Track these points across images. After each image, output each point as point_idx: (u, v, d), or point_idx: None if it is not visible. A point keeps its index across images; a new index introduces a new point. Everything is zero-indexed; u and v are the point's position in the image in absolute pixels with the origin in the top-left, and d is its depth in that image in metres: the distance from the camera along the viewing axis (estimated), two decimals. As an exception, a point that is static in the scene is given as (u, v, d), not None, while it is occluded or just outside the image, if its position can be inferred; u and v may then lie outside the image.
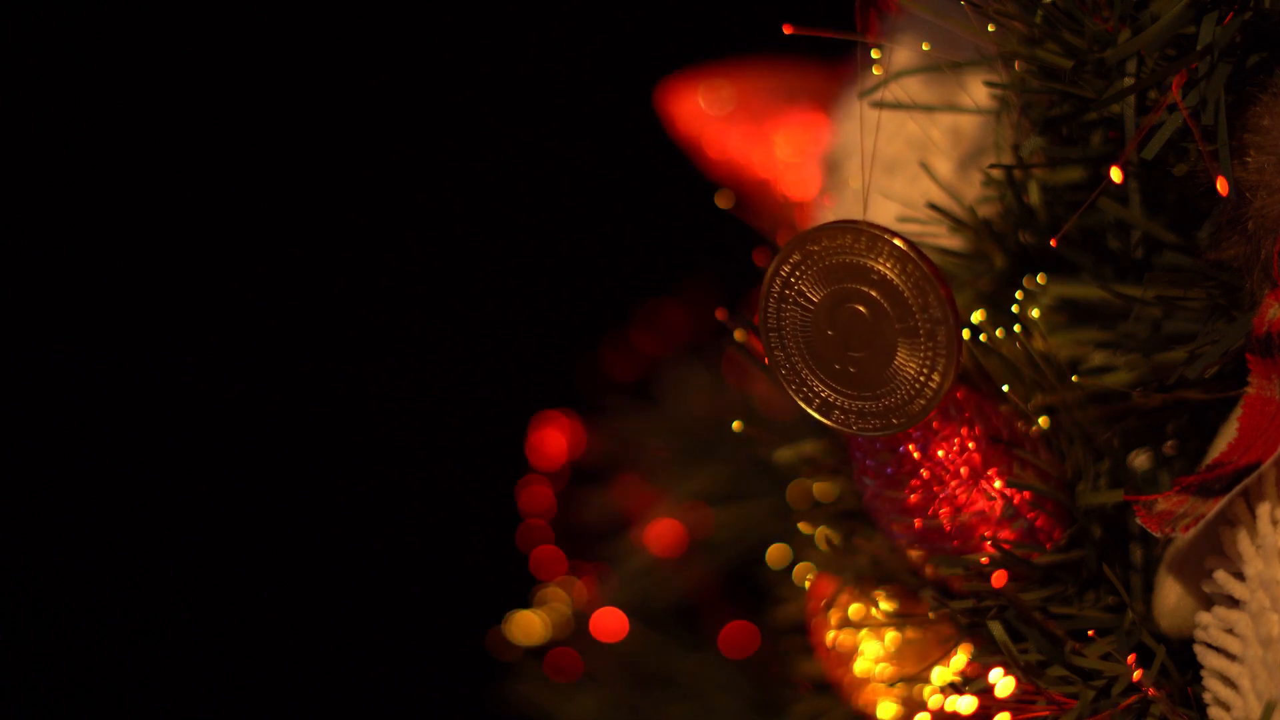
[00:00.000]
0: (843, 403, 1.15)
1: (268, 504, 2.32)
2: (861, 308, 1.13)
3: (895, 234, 1.11)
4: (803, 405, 1.15)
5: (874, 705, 1.32)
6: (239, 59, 2.30)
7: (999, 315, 1.22)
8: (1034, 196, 1.23)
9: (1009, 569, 1.17)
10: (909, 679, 1.27)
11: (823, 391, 1.15)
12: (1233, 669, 1.11)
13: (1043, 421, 1.20)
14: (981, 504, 1.18)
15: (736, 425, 1.46)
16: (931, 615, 1.22)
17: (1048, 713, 1.15)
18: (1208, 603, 1.13)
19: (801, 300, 1.14)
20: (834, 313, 1.14)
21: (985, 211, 1.25)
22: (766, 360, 1.16)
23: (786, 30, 1.21)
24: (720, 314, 1.31)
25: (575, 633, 1.74)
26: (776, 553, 1.52)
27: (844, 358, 1.14)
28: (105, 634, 2.30)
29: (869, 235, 1.11)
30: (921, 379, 1.12)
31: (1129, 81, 1.12)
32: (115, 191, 2.30)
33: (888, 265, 1.12)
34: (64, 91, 2.28)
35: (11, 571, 2.29)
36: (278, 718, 2.33)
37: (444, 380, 2.37)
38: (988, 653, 1.18)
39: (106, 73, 2.28)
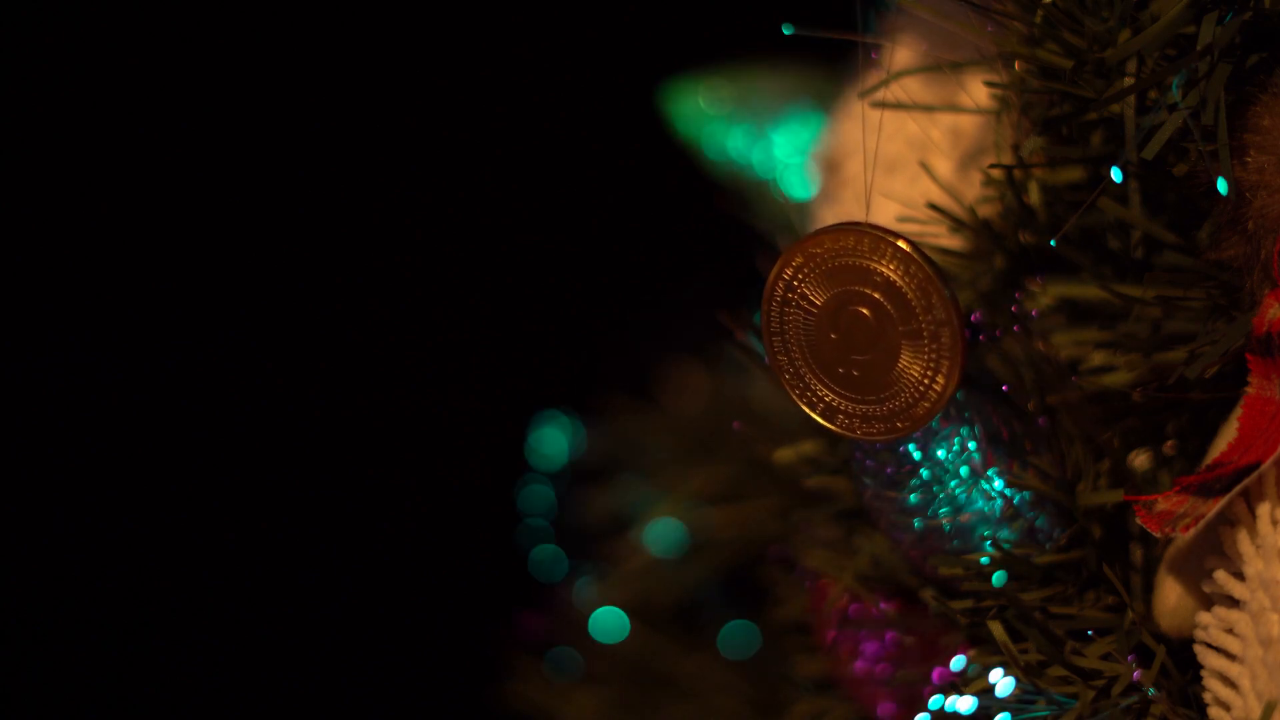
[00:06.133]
0: (846, 407, 1.14)
1: (268, 504, 2.32)
2: (865, 310, 1.13)
3: (898, 235, 1.11)
4: (807, 410, 1.15)
5: (874, 705, 1.32)
6: (239, 60, 2.30)
7: (999, 315, 1.22)
8: (1034, 196, 1.23)
9: (1009, 569, 1.17)
10: (909, 679, 1.28)
11: (826, 396, 1.15)
12: (1233, 669, 1.11)
13: (1042, 421, 1.20)
14: (981, 504, 1.18)
15: (736, 425, 1.46)
16: (931, 615, 1.22)
17: (1048, 713, 1.15)
18: (1208, 603, 1.13)
19: (804, 303, 1.14)
20: (837, 316, 1.13)
21: (985, 211, 1.25)
22: (769, 364, 1.16)
23: (786, 30, 1.21)
24: (721, 315, 1.31)
25: (575, 633, 1.74)
26: (776, 553, 1.52)
27: (847, 361, 1.14)
28: (106, 634, 2.30)
29: (872, 237, 1.11)
30: (925, 382, 1.12)
31: (1129, 81, 1.12)
32: (114, 192, 2.31)
33: (891, 267, 1.11)
34: (65, 92, 2.28)
35: (11, 572, 2.29)
36: (278, 718, 2.33)
37: (444, 380, 2.37)
38: (988, 653, 1.18)
39: (107, 73, 2.28)
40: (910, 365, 1.12)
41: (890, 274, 1.11)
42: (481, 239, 2.35)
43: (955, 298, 1.11)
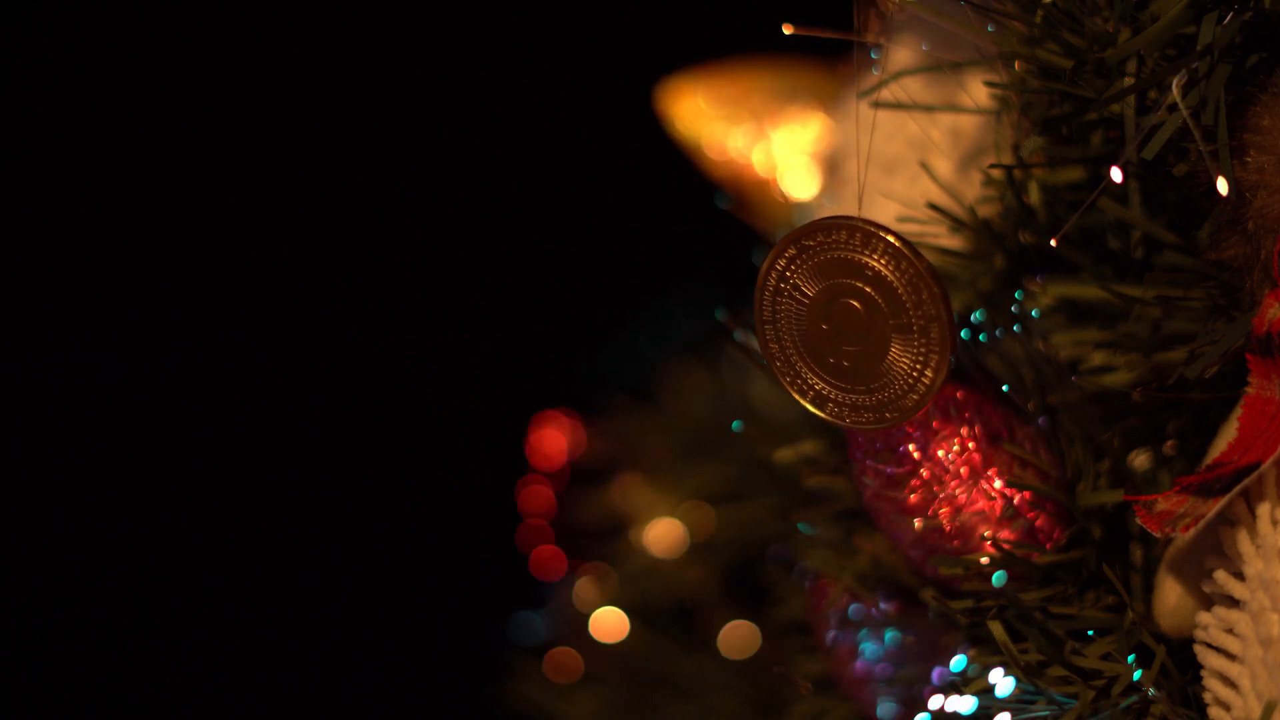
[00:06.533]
0: (836, 396, 1.15)
1: (269, 504, 2.32)
2: (856, 303, 1.13)
3: (889, 230, 1.12)
4: (797, 397, 1.16)
5: (874, 705, 1.32)
6: (239, 60, 2.30)
7: (999, 315, 1.22)
8: (1034, 196, 1.23)
9: (1009, 569, 1.17)
10: (909, 679, 1.27)
11: (816, 384, 1.15)
12: (1233, 669, 1.11)
13: (1042, 421, 1.20)
14: (981, 504, 1.18)
15: (736, 425, 1.46)
16: (931, 615, 1.22)
17: (1048, 713, 1.15)
18: (1208, 603, 1.13)
19: (796, 294, 1.14)
20: (829, 307, 1.14)
21: (985, 211, 1.25)
22: (761, 353, 1.16)
23: (786, 30, 1.21)
24: (720, 314, 1.31)
25: (575, 633, 1.74)
26: (776, 553, 1.52)
27: (838, 351, 1.14)
28: (106, 634, 2.30)
29: (863, 232, 1.12)
30: (914, 374, 1.13)
31: (1129, 81, 1.12)
32: (114, 192, 2.31)
33: (882, 261, 1.12)
34: (65, 92, 2.28)
35: (11, 572, 2.29)
36: (278, 718, 2.33)
37: (444, 380, 2.37)
38: (988, 653, 1.18)
39: (107, 73, 2.28)
40: (900, 358, 1.13)
41: (881, 268, 1.12)
42: (481, 239, 2.35)
43: (945, 293, 1.11)
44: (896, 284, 1.12)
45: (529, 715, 1.73)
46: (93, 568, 2.30)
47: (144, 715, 2.31)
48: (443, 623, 2.24)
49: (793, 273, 1.14)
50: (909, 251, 1.11)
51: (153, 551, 2.30)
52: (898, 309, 1.12)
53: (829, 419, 1.16)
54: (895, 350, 1.13)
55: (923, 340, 1.12)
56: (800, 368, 1.16)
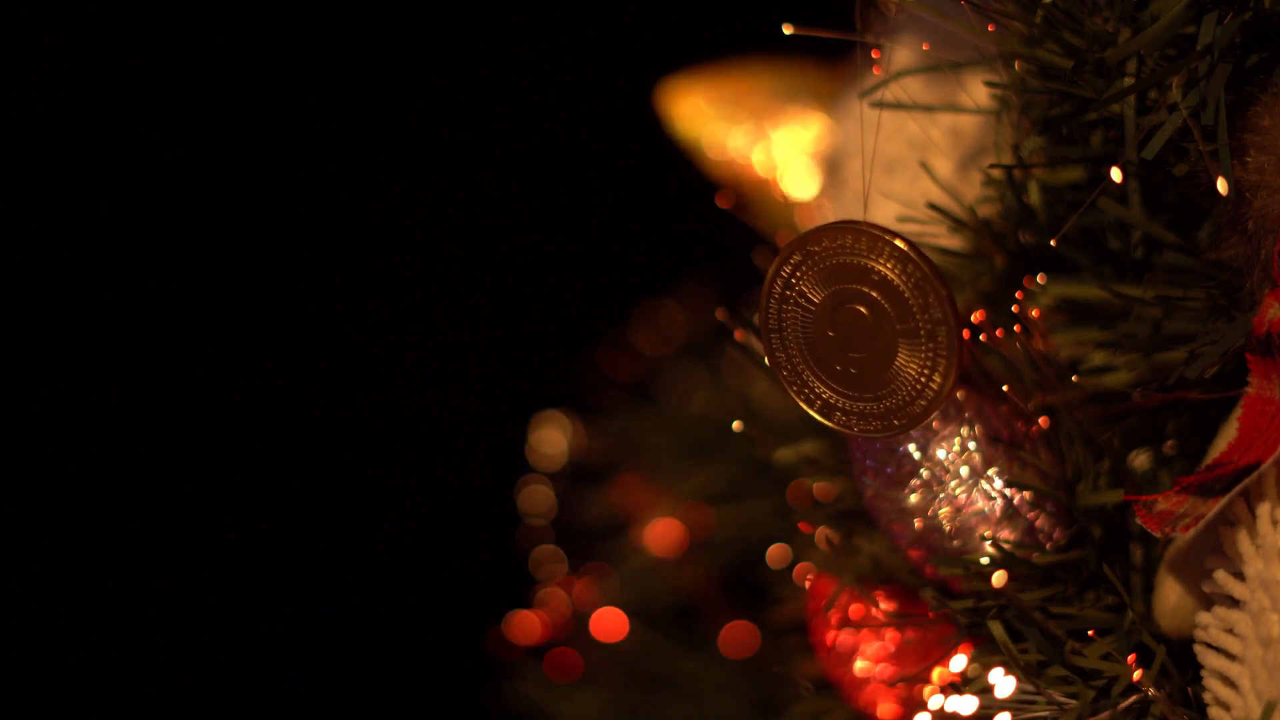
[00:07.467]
0: (844, 404, 1.15)
1: (268, 504, 2.32)
2: (862, 308, 1.13)
3: (896, 234, 1.11)
4: (804, 406, 1.16)
5: (874, 705, 1.32)
6: (239, 60, 2.30)
7: (999, 315, 1.22)
8: (1034, 196, 1.23)
9: (1009, 569, 1.17)
10: (909, 679, 1.27)
11: (824, 393, 1.15)
12: (1233, 669, 1.11)
13: (1043, 421, 1.20)
14: (981, 504, 1.18)
15: (736, 425, 1.46)
16: (931, 615, 1.22)
17: (1048, 713, 1.15)
18: (1208, 603, 1.13)
19: (802, 301, 1.14)
20: (835, 313, 1.14)
21: (985, 211, 1.25)
22: (768, 361, 1.16)
23: (786, 30, 1.21)
24: (720, 314, 1.31)
25: (575, 633, 1.74)
26: (776, 553, 1.52)
27: (845, 358, 1.14)
28: (106, 634, 2.30)
29: (870, 236, 1.11)
30: (923, 380, 1.12)
31: (1129, 81, 1.12)
32: (114, 192, 2.31)
33: (888, 266, 1.12)
34: (65, 92, 2.28)
35: (11, 572, 2.29)
36: (278, 718, 2.33)
37: (444, 380, 2.37)
38: (988, 653, 1.18)
39: (107, 73, 2.28)
40: (907, 364, 1.13)
41: (887, 273, 1.12)
42: (481, 239, 2.35)
43: (952, 297, 1.11)
44: (903, 288, 1.11)
45: (529, 715, 1.73)
46: (93, 568, 2.30)
47: (144, 715, 2.31)
48: (443, 623, 2.24)
49: (798, 279, 1.14)
50: (915, 255, 1.11)
51: (153, 551, 2.30)
52: (904, 314, 1.12)
53: (837, 428, 1.15)
54: (902, 356, 1.13)
55: (930, 345, 1.12)
56: (807, 376, 1.15)
